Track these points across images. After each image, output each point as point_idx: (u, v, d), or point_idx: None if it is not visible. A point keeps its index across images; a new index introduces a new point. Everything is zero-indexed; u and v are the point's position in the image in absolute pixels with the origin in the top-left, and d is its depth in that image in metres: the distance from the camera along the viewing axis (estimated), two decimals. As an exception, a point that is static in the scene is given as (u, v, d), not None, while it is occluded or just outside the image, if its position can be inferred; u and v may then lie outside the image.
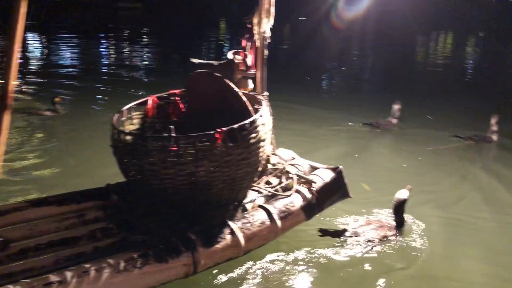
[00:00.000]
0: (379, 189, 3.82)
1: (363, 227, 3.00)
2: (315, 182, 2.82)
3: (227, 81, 2.66)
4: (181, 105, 3.03)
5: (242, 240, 2.42)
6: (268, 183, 2.91)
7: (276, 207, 2.64)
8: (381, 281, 2.61)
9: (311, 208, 2.75)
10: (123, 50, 11.84)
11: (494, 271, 2.85)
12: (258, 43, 2.82)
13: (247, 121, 2.40)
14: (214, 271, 2.52)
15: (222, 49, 12.78)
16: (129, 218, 2.53)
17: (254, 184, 2.82)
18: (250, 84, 2.91)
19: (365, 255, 2.79)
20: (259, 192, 2.82)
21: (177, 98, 3.02)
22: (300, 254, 2.77)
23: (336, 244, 2.87)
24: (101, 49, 11.90)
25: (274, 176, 2.96)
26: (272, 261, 2.69)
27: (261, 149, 2.53)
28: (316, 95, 7.72)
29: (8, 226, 2.40)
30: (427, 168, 4.57)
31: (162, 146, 2.30)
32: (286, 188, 2.84)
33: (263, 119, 2.53)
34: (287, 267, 2.66)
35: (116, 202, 2.72)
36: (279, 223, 2.58)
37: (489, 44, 17.11)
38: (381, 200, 3.50)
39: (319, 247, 2.83)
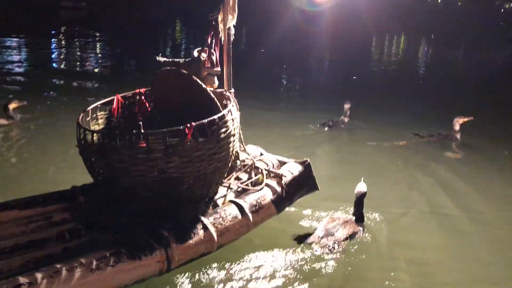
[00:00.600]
0: (333, 185, 3.89)
1: (330, 225, 3.04)
2: (284, 176, 2.87)
3: (195, 78, 2.66)
4: (147, 104, 3.01)
5: (215, 235, 2.43)
6: (238, 178, 2.93)
7: (247, 202, 2.66)
8: (355, 274, 2.71)
9: (281, 202, 2.79)
10: (72, 51, 11.54)
11: (452, 255, 3.06)
12: (223, 40, 2.84)
13: (216, 116, 2.41)
14: (187, 273, 2.51)
15: (179, 49, 12.72)
16: (98, 218, 2.49)
17: (224, 180, 2.84)
18: (216, 81, 2.92)
19: (338, 253, 2.85)
20: (230, 188, 2.84)
21: (142, 97, 2.99)
22: (275, 254, 2.79)
23: (312, 245, 2.91)
24: (47, 50, 11.40)
25: (243, 171, 2.99)
26: (248, 261, 2.71)
27: (231, 144, 2.55)
28: (272, 96, 7.85)
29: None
30: (381, 163, 4.78)
31: (131, 143, 2.28)
32: (256, 183, 2.86)
33: (232, 114, 2.55)
34: (263, 267, 2.68)
35: (83, 203, 2.67)
36: (250, 217, 2.60)
37: (437, 47, 17.93)
38: (336, 196, 3.62)
39: (295, 247, 2.87)
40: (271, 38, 13.39)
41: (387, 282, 2.67)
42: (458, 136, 5.52)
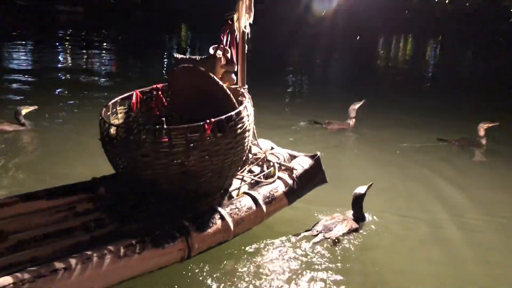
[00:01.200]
0: (340, 186, 3.77)
1: (328, 222, 3.13)
2: (295, 169, 3.00)
3: (211, 74, 2.78)
4: (163, 99, 3.13)
5: (231, 225, 2.57)
6: (250, 171, 3.07)
7: (260, 193, 2.79)
8: (349, 268, 2.79)
9: (293, 193, 2.93)
10: (76, 55, 11.44)
11: (448, 267, 2.97)
12: (238, 39, 2.95)
13: (233, 113, 2.54)
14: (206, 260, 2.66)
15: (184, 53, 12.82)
16: (120, 209, 2.62)
17: (238, 173, 2.97)
18: (234, 78, 3.04)
19: (335, 247, 2.93)
20: (243, 180, 2.98)
21: (159, 92, 3.11)
22: (277, 248, 2.88)
23: (311, 239, 2.98)
24: (50, 55, 11.18)
25: (255, 165, 3.12)
26: (259, 250, 2.85)
27: (246, 139, 2.69)
28: (279, 93, 7.93)
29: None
30: (395, 165, 4.69)
31: (154, 138, 2.41)
32: (268, 176, 3.00)
33: (247, 110, 2.68)
34: (267, 256, 2.80)
35: (104, 194, 2.80)
36: (264, 208, 2.74)
37: (447, 47, 17.86)
38: (342, 197, 3.53)
39: (295, 242, 2.96)
40: (279, 39, 13.54)
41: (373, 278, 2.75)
42: (484, 141, 5.28)
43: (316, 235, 3.00)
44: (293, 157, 3.23)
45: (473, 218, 3.62)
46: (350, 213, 3.30)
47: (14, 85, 7.35)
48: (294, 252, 2.86)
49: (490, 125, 5.35)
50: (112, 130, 2.54)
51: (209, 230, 2.49)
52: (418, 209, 3.70)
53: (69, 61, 10.59)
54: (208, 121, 2.42)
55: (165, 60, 11.86)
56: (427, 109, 7.11)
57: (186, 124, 2.44)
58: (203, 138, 2.42)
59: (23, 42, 12.04)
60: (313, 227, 3.09)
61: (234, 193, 2.86)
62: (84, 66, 10.09)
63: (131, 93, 2.97)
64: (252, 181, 2.96)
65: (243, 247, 2.84)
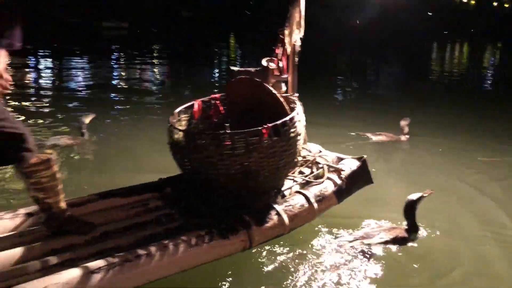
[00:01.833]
0: (399, 197, 3.60)
1: (372, 230, 3.16)
2: (343, 170, 3.24)
3: (266, 84, 3.07)
4: (221, 108, 3.45)
5: (286, 220, 2.83)
6: (301, 172, 3.33)
7: (312, 192, 3.05)
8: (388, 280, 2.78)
9: (341, 193, 3.16)
10: (128, 69, 11.93)
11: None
12: (289, 51, 3.24)
13: (287, 118, 2.81)
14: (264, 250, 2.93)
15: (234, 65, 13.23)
16: (187, 205, 2.94)
17: (290, 174, 3.24)
18: (283, 87, 3.32)
19: (373, 255, 2.94)
20: (295, 181, 3.24)
21: (217, 101, 3.43)
22: (307, 250, 3.00)
23: (347, 244, 3.04)
24: (98, 69, 11.61)
25: (305, 166, 3.38)
26: (307, 245, 3.08)
27: (298, 142, 2.95)
28: (328, 101, 8.00)
29: (84, 215, 2.79)
30: (457, 179, 4.48)
31: (218, 141, 2.71)
32: (318, 177, 3.25)
33: (299, 116, 2.95)
34: (293, 262, 2.91)
35: (170, 193, 3.13)
36: (315, 205, 2.99)
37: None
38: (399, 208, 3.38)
39: (327, 245, 3.07)
40: (326, 48, 13.71)
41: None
42: None
43: (354, 240, 3.05)
44: (340, 159, 3.46)
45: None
46: (404, 223, 3.22)
47: (71, 99, 7.77)
48: (333, 253, 2.98)
49: None
50: (180, 135, 2.87)
51: (267, 224, 2.76)
52: (481, 227, 3.52)
53: (122, 75, 11.16)
54: (265, 126, 2.70)
55: (216, 71, 12.32)
56: (491, 119, 6.79)
57: (241, 129, 2.74)
58: (261, 141, 2.70)
59: (77, 58, 12.72)
60: (356, 233, 3.17)
61: (286, 192, 3.12)
62: (137, 78, 10.62)
63: (193, 102, 3.29)
64: (303, 181, 3.22)
65: (294, 241, 3.08)
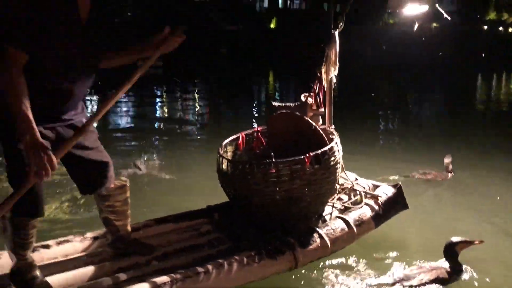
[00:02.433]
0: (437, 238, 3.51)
1: (412, 271, 3.10)
2: (380, 196, 3.44)
3: (306, 117, 3.36)
4: (263, 140, 3.74)
5: (328, 243, 3.04)
6: (340, 199, 3.55)
7: (351, 217, 3.25)
8: None
9: (379, 218, 3.36)
10: (170, 106, 12.27)
11: None
12: (326, 87, 3.53)
13: (327, 148, 3.07)
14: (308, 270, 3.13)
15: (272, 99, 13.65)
16: (235, 230, 3.19)
17: (330, 200, 3.46)
18: (320, 120, 3.60)
19: None
20: (334, 207, 3.46)
21: (259, 134, 3.72)
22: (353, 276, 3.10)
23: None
24: (144, 107, 11.90)
25: (343, 193, 3.60)
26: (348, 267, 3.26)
27: (337, 170, 3.20)
28: (368, 133, 7.93)
29: (144, 238, 3.07)
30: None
31: (265, 170, 2.98)
32: (356, 203, 3.46)
33: (337, 146, 3.20)
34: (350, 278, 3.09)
35: (218, 219, 3.39)
36: (355, 229, 3.19)
37: None
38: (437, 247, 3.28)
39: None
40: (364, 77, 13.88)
41: None
42: None
43: (394, 284, 3.01)
44: (376, 186, 3.67)
45: None
46: (446, 264, 3.14)
47: (120, 139, 8.04)
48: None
49: None
50: (228, 165, 3.16)
51: (311, 247, 2.98)
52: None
53: (165, 111, 11.58)
54: (307, 155, 2.96)
55: (255, 105, 12.79)
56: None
57: (283, 160, 3.00)
58: (304, 169, 2.95)
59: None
60: (396, 274, 3.10)
61: (327, 217, 3.34)
62: (179, 114, 11.02)
63: (238, 135, 3.60)
64: (342, 207, 3.43)
65: (335, 264, 3.27)
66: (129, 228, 2.79)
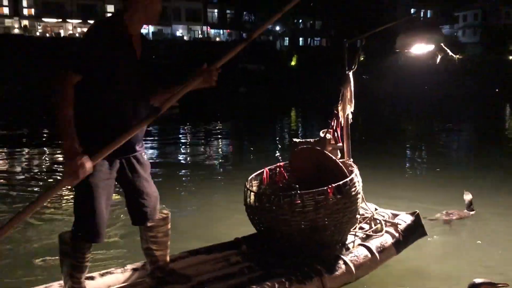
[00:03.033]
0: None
1: None
2: (400, 224, 3.62)
3: (325, 151, 3.60)
4: (285, 174, 3.97)
5: (353, 269, 3.21)
6: (361, 228, 3.73)
7: (373, 244, 3.43)
8: None
9: (399, 244, 3.53)
10: (194, 147, 12.43)
11: None
12: (343, 123, 3.80)
13: (348, 179, 3.30)
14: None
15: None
16: (264, 259, 3.38)
17: (352, 229, 3.65)
18: (339, 154, 3.84)
19: None
20: (356, 235, 3.64)
21: (281, 169, 3.97)
22: None
23: None
24: (168, 148, 12.06)
25: (364, 223, 3.79)
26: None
27: (358, 200, 3.41)
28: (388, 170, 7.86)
29: (179, 269, 3.28)
30: None
31: (291, 201, 3.21)
32: (377, 231, 3.64)
33: (357, 177, 3.43)
34: None
35: (246, 250, 3.59)
36: (378, 256, 3.37)
37: None
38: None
39: None
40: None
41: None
42: None
43: None
44: (395, 215, 3.86)
45: None
46: None
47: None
48: None
49: None
50: (256, 197, 3.39)
51: (337, 273, 3.15)
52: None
53: (189, 151, 11.92)
54: (330, 186, 3.19)
55: (278, 142, 13.25)
56: None
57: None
58: (327, 199, 3.17)
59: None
60: None
61: (350, 245, 3.52)
62: (203, 152, 11.35)
63: (262, 170, 3.84)
64: (364, 236, 3.61)
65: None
66: (167, 258, 3.00)
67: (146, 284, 3.02)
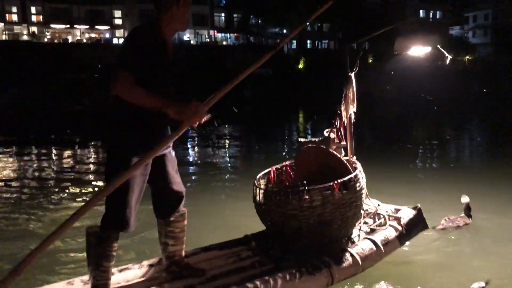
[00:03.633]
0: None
1: None
2: (402, 218, 3.78)
3: (330, 150, 3.77)
4: (291, 172, 4.13)
5: (359, 261, 3.37)
6: (365, 223, 3.89)
7: (378, 238, 3.59)
8: None
9: (402, 237, 3.69)
10: (203, 150, 12.48)
11: None
12: (346, 123, 3.96)
13: (352, 175, 3.45)
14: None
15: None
16: (273, 253, 3.53)
17: (356, 224, 3.80)
18: (342, 152, 4.00)
19: None
20: (361, 229, 3.79)
21: (288, 168, 4.12)
22: None
23: None
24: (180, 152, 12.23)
25: (368, 217, 3.94)
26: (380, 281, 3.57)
27: (362, 196, 3.56)
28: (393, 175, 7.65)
29: (193, 264, 3.42)
30: None
31: (299, 196, 3.36)
32: (381, 225, 3.80)
33: (361, 174, 3.59)
34: None
35: (255, 245, 3.73)
36: (382, 248, 3.52)
37: None
38: None
39: None
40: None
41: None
42: None
43: None
44: (397, 210, 4.02)
45: None
46: None
47: None
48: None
49: None
50: (265, 194, 3.54)
51: (344, 265, 3.30)
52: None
53: (197, 155, 11.93)
54: (336, 181, 3.35)
55: (286, 142, 13.55)
56: None
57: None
58: (334, 194, 3.33)
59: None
60: None
61: (355, 239, 3.67)
62: (212, 158, 11.36)
63: (269, 169, 4.00)
64: (368, 230, 3.77)
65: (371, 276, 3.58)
66: (183, 253, 3.15)
67: (163, 278, 3.16)
